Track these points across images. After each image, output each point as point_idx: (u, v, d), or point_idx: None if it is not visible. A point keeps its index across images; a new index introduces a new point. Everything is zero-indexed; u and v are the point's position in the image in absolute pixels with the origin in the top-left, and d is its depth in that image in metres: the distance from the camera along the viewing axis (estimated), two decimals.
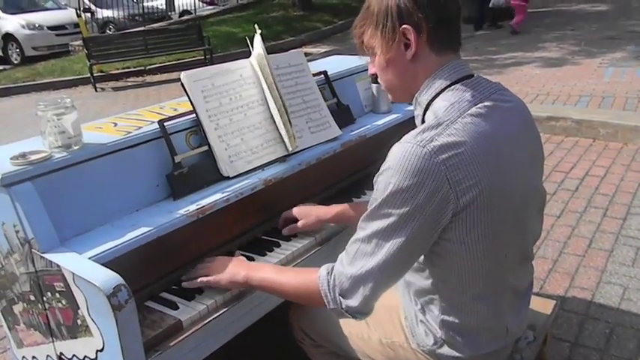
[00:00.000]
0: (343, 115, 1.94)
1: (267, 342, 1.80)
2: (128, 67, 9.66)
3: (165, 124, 1.47)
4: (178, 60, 9.93)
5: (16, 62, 11.85)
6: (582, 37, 8.73)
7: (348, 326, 1.41)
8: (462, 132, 1.04)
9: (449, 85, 1.12)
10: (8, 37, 11.91)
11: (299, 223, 1.54)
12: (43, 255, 1.18)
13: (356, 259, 1.09)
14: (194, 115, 1.54)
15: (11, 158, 1.24)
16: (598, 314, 2.40)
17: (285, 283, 1.23)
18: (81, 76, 9.19)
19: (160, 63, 9.82)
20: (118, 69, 9.59)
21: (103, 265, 1.15)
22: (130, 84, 9.23)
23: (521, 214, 1.13)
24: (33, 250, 1.20)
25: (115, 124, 1.53)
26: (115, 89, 8.91)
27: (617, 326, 2.31)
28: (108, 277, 1.08)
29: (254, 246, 1.52)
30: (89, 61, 8.58)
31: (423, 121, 1.16)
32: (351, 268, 1.10)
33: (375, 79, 1.25)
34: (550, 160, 4.17)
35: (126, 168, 1.39)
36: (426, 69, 1.14)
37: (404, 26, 1.10)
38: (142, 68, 9.71)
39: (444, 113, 1.08)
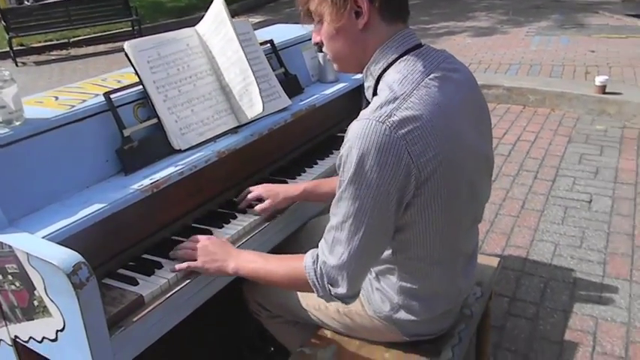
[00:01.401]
0: (291, 85, 1.93)
1: (221, 319, 1.81)
2: (51, 40, 9.15)
3: (111, 96, 1.42)
4: (104, 32, 9.51)
5: None
6: (510, 7, 9.04)
7: (305, 298, 1.44)
8: (418, 105, 1.04)
9: (400, 56, 1.12)
10: None
11: (266, 203, 1.51)
12: None
13: (334, 247, 1.10)
14: (141, 86, 1.49)
15: None
16: (533, 270, 2.56)
17: (274, 273, 1.23)
18: None
19: (85, 35, 9.36)
20: (39, 42, 9.06)
21: (58, 244, 1.11)
22: (53, 57, 8.75)
23: (474, 180, 1.17)
24: None
25: (57, 98, 1.46)
26: (38, 63, 8.43)
27: (550, 280, 2.47)
28: (67, 256, 1.04)
29: (210, 219, 1.51)
30: (8, 34, 8.07)
31: (374, 93, 1.15)
32: (332, 257, 1.11)
33: (320, 48, 1.23)
34: None
35: (72, 143, 1.33)
36: (376, 39, 1.13)
37: None
38: (66, 41, 9.22)
39: (398, 87, 1.07)
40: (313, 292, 1.17)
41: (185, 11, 10.52)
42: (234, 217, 1.51)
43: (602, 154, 3.71)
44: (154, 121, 1.50)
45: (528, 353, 2.07)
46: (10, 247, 1.10)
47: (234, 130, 1.64)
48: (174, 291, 1.25)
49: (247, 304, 1.62)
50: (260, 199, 1.54)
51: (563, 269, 2.54)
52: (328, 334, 1.44)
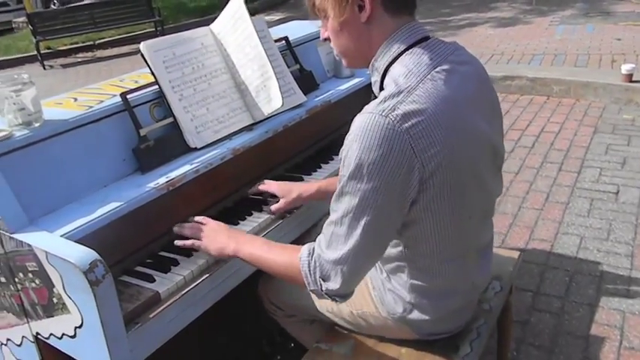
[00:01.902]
0: (307, 81, 1.93)
1: (239, 317, 1.83)
2: (76, 43, 9.33)
3: (127, 96, 1.44)
4: (128, 33, 9.64)
5: None
6: None
7: (319, 300, 1.42)
8: (423, 98, 1.02)
9: (406, 49, 1.11)
10: None
11: (281, 202, 1.52)
12: (13, 235, 1.15)
13: (332, 242, 1.09)
14: (157, 86, 1.51)
15: None
16: (557, 264, 2.51)
17: (271, 260, 1.23)
18: (27, 54, 8.85)
19: (110, 37, 9.52)
20: (65, 45, 9.24)
21: (75, 242, 1.14)
22: (79, 60, 8.92)
23: (483, 175, 1.14)
24: (1, 231, 1.17)
25: (75, 99, 1.49)
26: (64, 66, 8.60)
27: (575, 274, 2.43)
28: (83, 254, 1.06)
29: (226, 215, 1.52)
30: (35, 37, 8.25)
31: (381, 88, 1.14)
32: (328, 251, 1.10)
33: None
34: (507, 118, 4.27)
35: (90, 143, 1.36)
36: (381, 32, 1.12)
37: None
38: (91, 43, 9.39)
39: (404, 80, 1.06)
40: (306, 285, 1.15)
41: (207, 11, 10.59)
42: (250, 214, 1.52)
43: (630, 144, 3.62)
44: (170, 120, 1.51)
45: (553, 348, 2.04)
46: (29, 245, 1.13)
47: (249, 128, 1.65)
48: (190, 287, 1.27)
49: (262, 303, 1.62)
50: (274, 197, 1.54)
51: (589, 262, 2.49)
52: (344, 331, 1.44)
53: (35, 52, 8.35)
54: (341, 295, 1.13)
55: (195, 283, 1.28)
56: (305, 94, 1.85)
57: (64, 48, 9.17)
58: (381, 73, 1.14)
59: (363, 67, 1.21)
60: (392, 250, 1.19)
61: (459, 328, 1.34)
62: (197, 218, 1.40)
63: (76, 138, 1.33)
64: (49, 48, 8.96)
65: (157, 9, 9.27)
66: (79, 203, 1.29)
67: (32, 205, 1.22)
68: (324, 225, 1.12)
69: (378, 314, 1.32)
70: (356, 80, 2.05)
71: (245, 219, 1.51)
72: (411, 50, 1.11)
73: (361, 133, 1.00)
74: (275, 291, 1.55)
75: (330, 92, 1.93)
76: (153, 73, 1.50)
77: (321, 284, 1.12)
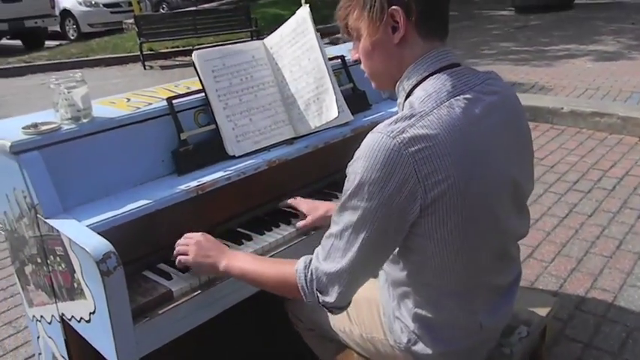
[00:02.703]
0: (358, 101, 1.94)
1: (264, 323, 1.85)
2: (177, 47, 9.87)
3: (173, 101, 1.51)
4: (226, 41, 10.05)
5: (72, 38, 12.29)
6: None
7: (332, 319, 1.43)
8: (435, 124, 1.01)
9: (432, 74, 1.09)
10: (66, 13, 12.34)
11: (308, 219, 1.54)
12: (46, 220, 1.25)
13: (330, 254, 1.09)
14: (203, 94, 1.57)
15: (23, 128, 1.31)
16: (617, 317, 2.33)
17: (264, 276, 1.24)
18: (131, 54, 9.48)
19: (208, 43, 9.98)
20: (167, 48, 9.81)
21: (99, 233, 1.20)
22: (177, 63, 9.43)
23: (496, 210, 1.10)
24: (38, 215, 1.27)
25: (128, 100, 1.59)
26: (163, 67, 9.13)
27: (635, 330, 2.24)
28: (99, 244, 1.13)
29: (254, 225, 1.55)
30: (139, 39, 8.82)
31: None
32: (326, 264, 1.10)
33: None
34: (590, 157, 4.05)
35: (132, 142, 1.44)
36: (411, 55, 1.11)
37: (393, 7, 1.07)
38: (191, 48, 9.88)
39: (419, 104, 1.05)
40: (301, 297, 1.15)
41: None
42: (277, 226, 1.55)
43: None
44: (212, 127, 1.57)
45: None
46: (58, 231, 1.21)
47: (290, 142, 1.68)
48: (202, 290, 1.31)
49: (287, 314, 1.64)
50: (302, 214, 1.56)
51: None
52: (355, 353, 1.42)
53: (139, 53, 8.93)
54: (337, 307, 1.13)
55: (208, 288, 1.32)
56: (355, 114, 1.85)
57: (165, 50, 9.74)
58: (404, 95, 1.14)
59: (391, 89, 1.21)
60: (400, 274, 1.17)
61: None
62: (183, 237, 1.37)
63: (120, 136, 1.42)
64: (151, 49, 9.55)
65: (254, 19, 9.64)
66: (112, 197, 1.37)
67: (69, 195, 1.31)
68: (324, 236, 1.12)
69: (386, 341, 1.30)
70: None
71: (272, 230, 1.53)
72: (435, 75, 1.09)
73: (367, 151, 1.01)
74: (297, 304, 1.56)
75: (381, 114, 1.93)
76: (201, 81, 1.57)
77: (318, 296, 1.13)
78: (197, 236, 1.35)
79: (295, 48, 1.72)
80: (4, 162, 1.32)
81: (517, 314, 1.51)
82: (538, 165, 3.95)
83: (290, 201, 1.60)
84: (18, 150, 1.26)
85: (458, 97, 1.06)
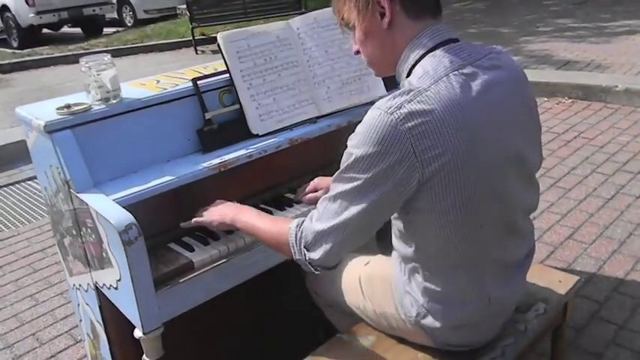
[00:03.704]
0: (386, 80, 1.95)
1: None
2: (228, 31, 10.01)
3: (198, 82, 1.58)
4: None
5: (129, 24, 12.67)
6: None
7: (347, 296, 1.46)
8: (433, 99, 1.02)
9: (428, 51, 1.11)
10: (123, 0, 12.71)
11: (319, 193, 1.57)
12: (78, 194, 1.35)
13: (322, 216, 1.13)
14: (228, 74, 1.63)
15: (57, 108, 1.40)
16: None
17: (263, 230, 1.29)
18: (184, 39, 9.69)
19: None
20: (218, 32, 9.93)
21: (126, 207, 1.28)
22: None
23: (500, 184, 1.11)
24: (71, 190, 1.37)
25: (158, 82, 1.66)
26: (214, 52, 9.27)
27: None
28: (122, 216, 1.22)
29: (276, 202, 1.61)
30: (191, 24, 8.99)
31: None
32: (317, 223, 1.14)
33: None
34: None
35: (159, 122, 1.52)
36: (403, 37, 1.13)
37: None
38: None
39: (417, 81, 1.07)
40: (292, 255, 1.20)
41: None
42: (299, 202, 1.60)
43: None
44: (237, 106, 1.63)
45: None
46: (87, 204, 1.31)
47: (313, 121, 1.71)
48: (222, 261, 1.37)
49: (308, 290, 1.69)
50: (314, 190, 1.59)
51: None
52: (369, 327, 1.46)
53: (191, 38, 9.12)
54: (321, 266, 1.17)
55: (228, 258, 1.39)
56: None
57: (216, 35, 9.87)
58: (404, 77, 1.15)
59: (392, 74, 1.22)
60: (408, 250, 1.20)
61: (476, 344, 1.30)
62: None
63: (147, 116, 1.50)
64: (203, 34, 9.73)
65: (305, 1, 9.64)
66: (141, 173, 1.45)
67: (99, 171, 1.40)
68: (320, 199, 1.17)
69: (398, 316, 1.33)
70: None
71: (293, 206, 1.59)
72: (432, 53, 1.11)
73: (366, 126, 1.04)
74: (315, 280, 1.61)
75: None
76: (225, 62, 1.63)
77: (305, 253, 1.17)
78: (216, 202, 1.45)
79: (334, 32, 1.78)
80: (40, 141, 1.42)
81: (536, 292, 1.52)
82: (587, 145, 3.82)
83: (307, 189, 1.63)
84: (52, 129, 1.35)
85: (456, 72, 1.07)
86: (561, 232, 2.82)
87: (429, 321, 1.25)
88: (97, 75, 1.42)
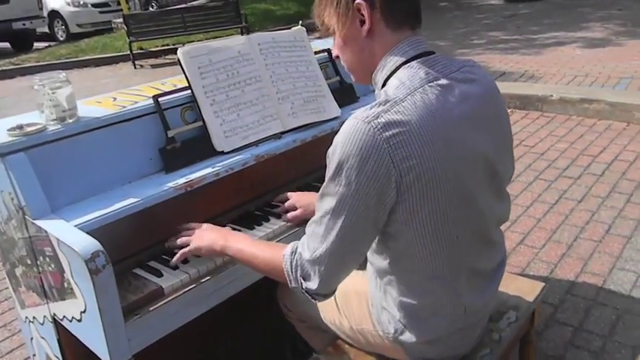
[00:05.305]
0: (345, 94, 1.95)
1: (253, 315, 1.86)
2: (167, 45, 9.83)
3: (159, 99, 1.52)
4: (216, 37, 9.98)
5: (61, 39, 12.21)
6: (629, 18, 8.39)
7: (323, 312, 1.44)
8: (409, 110, 1.02)
9: (404, 63, 1.11)
10: (54, 14, 12.24)
11: (298, 211, 1.55)
12: (34, 221, 1.25)
13: (311, 241, 1.11)
14: (190, 91, 1.58)
15: (8, 130, 1.31)
16: (607, 300, 2.36)
17: (257, 257, 1.25)
18: (121, 53, 9.43)
19: (198, 40, 9.91)
20: (157, 46, 9.76)
21: (88, 232, 1.21)
22: (167, 61, 9.39)
23: (473, 194, 1.12)
24: (26, 216, 1.28)
25: (115, 99, 1.59)
26: (154, 66, 9.09)
27: (625, 313, 2.27)
28: (87, 243, 1.14)
29: (245, 220, 1.56)
30: (129, 38, 8.77)
31: None
32: (307, 251, 1.12)
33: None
34: (579, 143, 4.08)
35: (119, 141, 1.44)
36: (382, 46, 1.13)
37: (357, 1, 1.10)
38: (181, 45, 9.83)
39: (393, 92, 1.07)
40: (289, 283, 1.17)
41: (293, 19, 10.84)
42: (267, 220, 1.56)
43: None
44: (200, 123, 1.58)
45: None
46: (46, 232, 1.22)
47: (277, 136, 1.68)
48: (193, 285, 1.32)
49: (278, 305, 1.65)
50: (293, 207, 1.56)
51: None
52: (346, 345, 1.43)
53: (129, 52, 8.88)
54: (319, 295, 1.15)
55: (199, 282, 1.33)
56: (342, 107, 1.86)
57: (155, 49, 9.69)
58: (380, 86, 1.15)
59: (369, 83, 1.22)
60: (383, 263, 1.19)
61: (454, 357, 1.30)
62: (184, 226, 1.43)
63: (106, 135, 1.42)
64: (141, 48, 9.50)
65: (244, 15, 9.60)
66: (101, 197, 1.37)
67: (57, 195, 1.31)
68: (308, 223, 1.14)
69: (375, 332, 1.32)
70: None
71: (262, 224, 1.54)
72: (409, 64, 1.11)
73: (344, 137, 1.03)
74: (288, 295, 1.57)
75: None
76: (187, 78, 1.58)
77: (301, 283, 1.15)
78: (197, 225, 1.40)
79: (292, 54, 1.79)
80: None
81: (506, 300, 1.54)
82: (529, 153, 3.97)
83: (282, 196, 1.60)
84: (3, 152, 1.26)
85: (432, 84, 1.07)
86: (512, 237, 2.90)
87: (407, 336, 1.24)
88: (52, 93, 1.34)
